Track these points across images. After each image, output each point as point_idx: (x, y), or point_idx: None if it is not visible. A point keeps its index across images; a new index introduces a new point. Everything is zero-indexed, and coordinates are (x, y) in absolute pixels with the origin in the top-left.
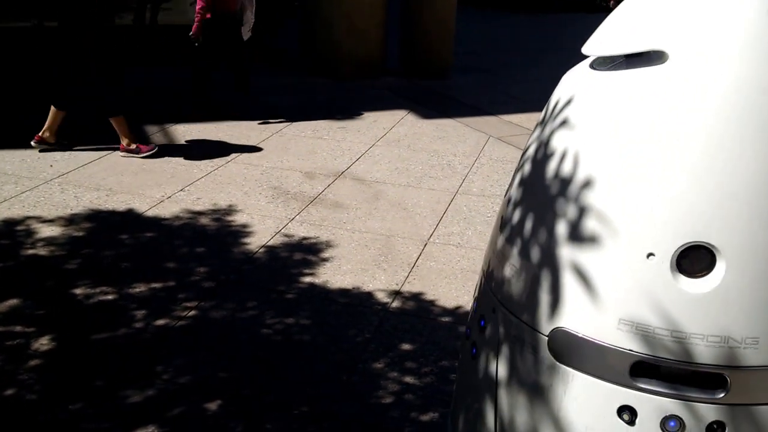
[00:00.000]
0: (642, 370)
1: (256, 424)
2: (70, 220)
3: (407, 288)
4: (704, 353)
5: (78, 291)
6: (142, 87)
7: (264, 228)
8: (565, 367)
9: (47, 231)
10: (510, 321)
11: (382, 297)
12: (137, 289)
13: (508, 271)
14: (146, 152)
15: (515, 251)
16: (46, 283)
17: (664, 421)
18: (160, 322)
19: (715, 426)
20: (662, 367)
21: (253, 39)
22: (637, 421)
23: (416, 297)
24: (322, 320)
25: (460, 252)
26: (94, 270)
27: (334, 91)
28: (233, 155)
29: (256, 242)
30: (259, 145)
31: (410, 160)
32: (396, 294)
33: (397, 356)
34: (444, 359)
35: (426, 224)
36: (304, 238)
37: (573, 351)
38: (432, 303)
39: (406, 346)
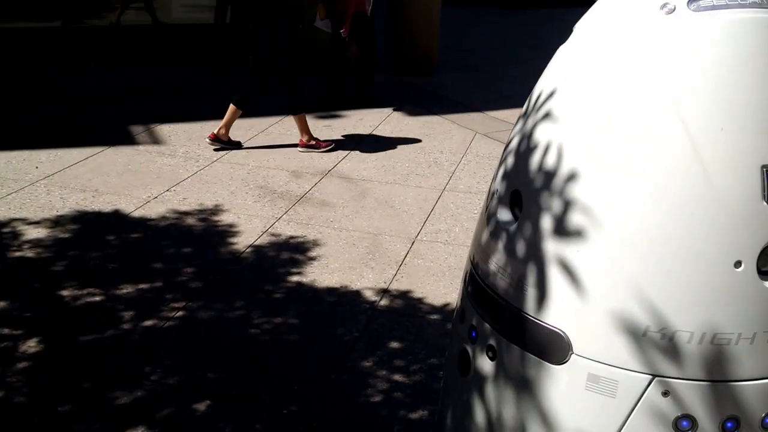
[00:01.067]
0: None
1: (245, 424)
2: (57, 222)
3: (395, 286)
4: None
5: (65, 293)
6: (126, 86)
7: (251, 227)
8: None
9: (33, 233)
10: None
11: (370, 295)
12: (124, 290)
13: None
14: (325, 148)
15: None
16: (32, 285)
17: (762, 420)
18: (148, 323)
19: None
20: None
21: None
22: (740, 427)
23: (404, 295)
24: (310, 319)
25: (447, 249)
26: (81, 271)
27: (319, 90)
28: (219, 155)
29: (243, 242)
30: (246, 145)
31: (397, 158)
32: (384, 292)
33: (385, 354)
34: (433, 357)
35: (413, 222)
36: (292, 237)
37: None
38: (420, 301)
39: (394, 345)
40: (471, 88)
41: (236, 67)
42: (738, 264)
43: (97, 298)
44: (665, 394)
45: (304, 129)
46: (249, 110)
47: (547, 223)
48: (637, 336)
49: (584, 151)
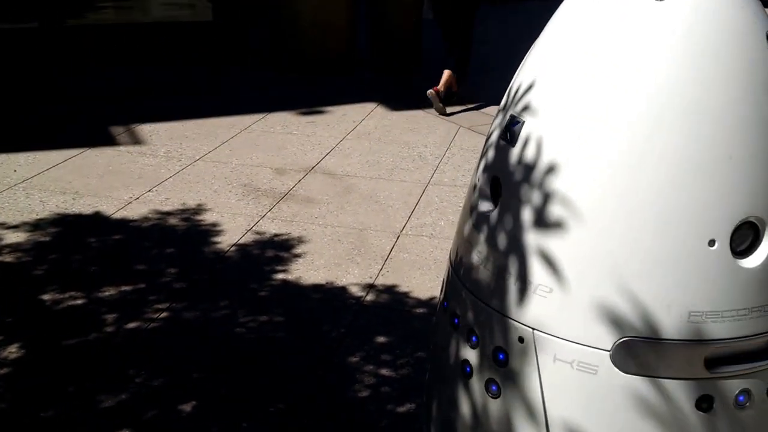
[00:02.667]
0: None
1: (232, 423)
2: (36, 226)
3: (381, 281)
4: (762, 323)
5: (46, 297)
6: (106, 86)
7: (235, 226)
8: (633, 377)
9: (12, 237)
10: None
11: (356, 291)
12: (107, 293)
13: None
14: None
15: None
16: (13, 289)
17: (736, 398)
18: (132, 325)
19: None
20: (731, 348)
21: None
22: (714, 407)
23: (390, 289)
24: (296, 317)
25: (433, 243)
26: (63, 275)
27: (302, 86)
28: (201, 154)
29: (227, 241)
30: (228, 143)
31: (381, 153)
32: (370, 287)
33: (372, 349)
34: (420, 350)
35: (398, 216)
36: (276, 235)
37: (642, 359)
38: (406, 295)
39: (381, 339)
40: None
41: (232, 65)
42: (712, 242)
43: (79, 301)
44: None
45: (447, 83)
46: (230, 108)
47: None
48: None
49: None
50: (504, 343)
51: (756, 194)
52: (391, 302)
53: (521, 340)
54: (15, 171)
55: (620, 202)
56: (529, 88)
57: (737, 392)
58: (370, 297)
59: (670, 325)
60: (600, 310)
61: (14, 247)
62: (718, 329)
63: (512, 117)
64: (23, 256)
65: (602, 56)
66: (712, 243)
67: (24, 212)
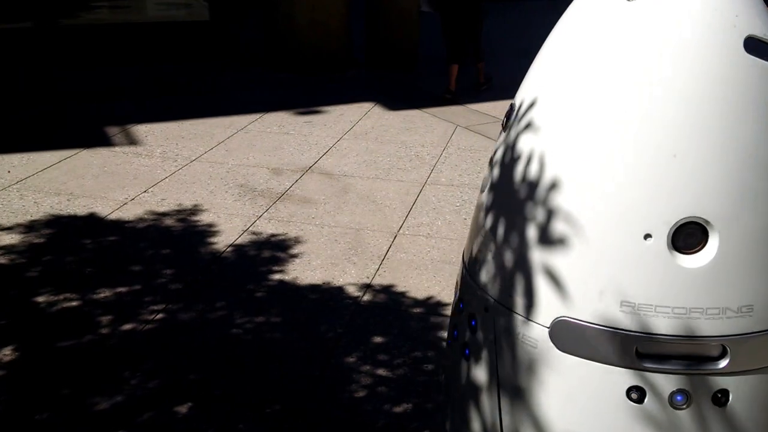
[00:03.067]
0: (647, 350)
1: (229, 425)
2: (30, 227)
3: (378, 281)
4: (704, 326)
5: (41, 299)
6: (101, 86)
7: (231, 227)
8: (568, 356)
9: (6, 239)
10: (506, 316)
11: (352, 291)
12: (102, 295)
13: (498, 264)
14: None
15: (502, 243)
16: (7, 292)
17: (672, 396)
18: (127, 326)
19: (719, 395)
20: (666, 345)
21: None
22: (645, 399)
23: (387, 289)
24: (293, 317)
25: (429, 242)
26: (57, 276)
27: (299, 86)
28: (198, 154)
29: (223, 241)
30: (224, 143)
31: (378, 153)
32: (367, 287)
33: (369, 349)
34: (416, 350)
35: (395, 216)
36: (273, 235)
37: (576, 340)
38: (403, 294)
39: (378, 339)
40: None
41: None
42: (648, 236)
43: (74, 303)
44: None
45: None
46: (227, 108)
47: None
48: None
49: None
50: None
51: (701, 194)
52: (388, 302)
53: (486, 309)
54: (9, 172)
55: (569, 191)
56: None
57: (673, 391)
58: (367, 297)
59: (601, 310)
60: (543, 289)
61: (8, 249)
62: (651, 323)
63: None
64: (17, 257)
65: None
66: (647, 237)
67: (18, 213)
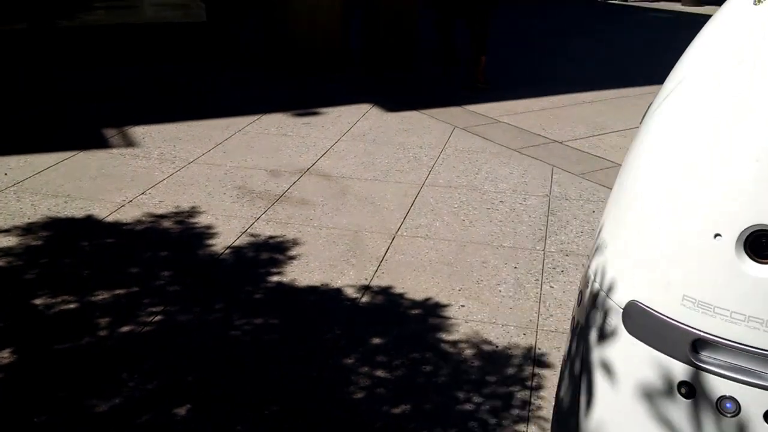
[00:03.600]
0: (703, 348)
1: (227, 426)
2: (28, 230)
3: (376, 282)
4: (761, 339)
5: (38, 301)
6: (98, 87)
7: (229, 228)
8: (633, 338)
9: (3, 241)
10: (594, 292)
11: (351, 292)
12: (100, 297)
13: (596, 243)
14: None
15: (601, 224)
16: (4, 294)
17: (721, 401)
18: (125, 328)
19: None
20: (722, 348)
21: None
22: (694, 397)
23: (385, 291)
24: (291, 319)
25: (428, 244)
26: (55, 279)
27: (296, 86)
28: (195, 156)
29: (221, 243)
30: (222, 144)
31: (376, 154)
32: (365, 289)
33: (367, 351)
34: (415, 351)
35: (393, 217)
36: (271, 237)
37: (641, 324)
38: (401, 296)
39: (376, 341)
40: (448, 82)
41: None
42: (717, 236)
43: (72, 306)
44: None
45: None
46: (224, 109)
47: None
48: None
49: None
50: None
51: None
52: (387, 304)
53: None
54: (6, 174)
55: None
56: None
57: (723, 396)
58: (365, 298)
59: (666, 300)
60: (623, 270)
61: (5, 252)
62: (709, 323)
63: None
64: (14, 260)
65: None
66: (717, 236)
67: (15, 216)
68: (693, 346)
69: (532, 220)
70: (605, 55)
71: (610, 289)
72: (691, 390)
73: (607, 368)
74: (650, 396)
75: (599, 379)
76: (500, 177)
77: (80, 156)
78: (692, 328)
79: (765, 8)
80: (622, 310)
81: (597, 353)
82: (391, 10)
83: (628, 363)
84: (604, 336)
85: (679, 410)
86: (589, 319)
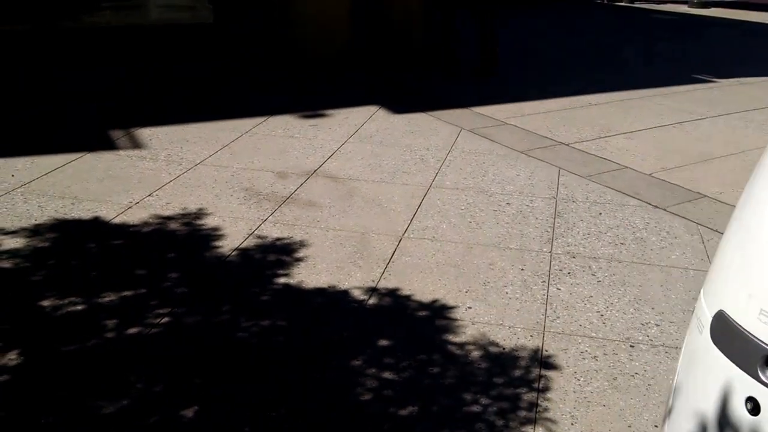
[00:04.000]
0: None
1: (234, 428)
2: (35, 231)
3: (383, 284)
4: None
5: (45, 303)
6: (103, 88)
7: (236, 230)
8: (714, 347)
9: (11, 243)
10: (697, 299)
11: (358, 294)
12: (107, 298)
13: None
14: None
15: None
16: (11, 296)
17: None
18: (133, 330)
19: None
20: None
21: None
22: (759, 414)
23: (392, 293)
24: (298, 321)
25: (435, 246)
26: (62, 281)
27: (303, 89)
28: (202, 157)
29: (228, 245)
30: (229, 146)
31: (383, 156)
32: (372, 291)
33: (375, 353)
34: (422, 353)
35: (400, 219)
36: (278, 239)
37: (723, 334)
38: (408, 298)
39: (383, 342)
40: (455, 84)
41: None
42: None
43: (79, 308)
44: None
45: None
46: (231, 111)
47: None
48: None
49: None
50: (701, 337)
51: None
52: (394, 305)
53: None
54: (13, 176)
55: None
56: None
57: None
58: (372, 300)
59: (746, 313)
60: (715, 284)
61: (12, 253)
62: None
63: None
64: (22, 261)
65: None
66: None
67: (22, 217)
68: (765, 362)
69: (539, 222)
70: (611, 56)
71: (706, 294)
72: (756, 407)
73: (691, 374)
74: (719, 407)
75: (683, 381)
76: (507, 179)
77: (87, 157)
78: (765, 343)
79: None
80: (711, 318)
81: (686, 357)
82: (397, 11)
83: (707, 371)
84: (695, 340)
85: (742, 426)
86: (691, 322)
